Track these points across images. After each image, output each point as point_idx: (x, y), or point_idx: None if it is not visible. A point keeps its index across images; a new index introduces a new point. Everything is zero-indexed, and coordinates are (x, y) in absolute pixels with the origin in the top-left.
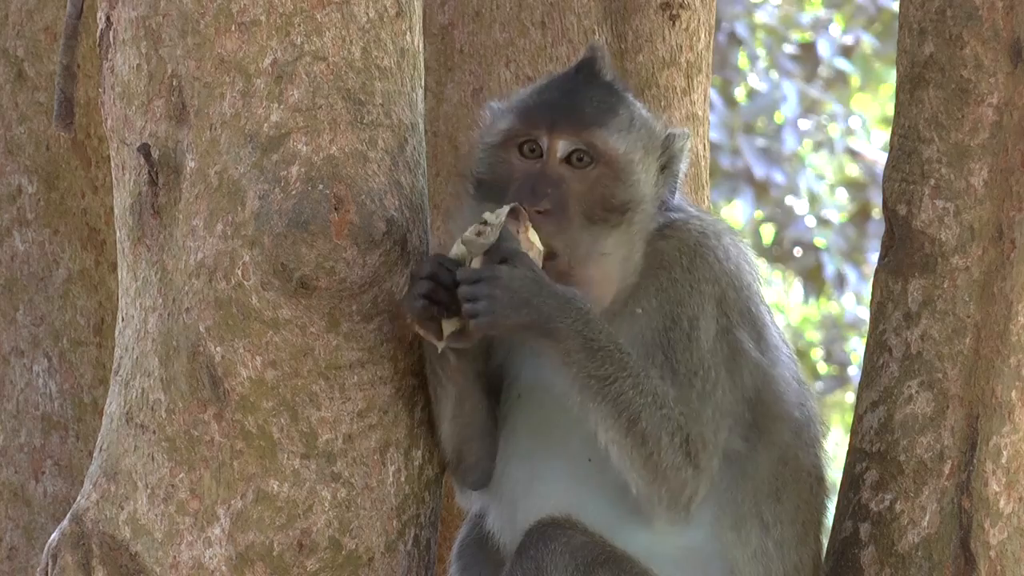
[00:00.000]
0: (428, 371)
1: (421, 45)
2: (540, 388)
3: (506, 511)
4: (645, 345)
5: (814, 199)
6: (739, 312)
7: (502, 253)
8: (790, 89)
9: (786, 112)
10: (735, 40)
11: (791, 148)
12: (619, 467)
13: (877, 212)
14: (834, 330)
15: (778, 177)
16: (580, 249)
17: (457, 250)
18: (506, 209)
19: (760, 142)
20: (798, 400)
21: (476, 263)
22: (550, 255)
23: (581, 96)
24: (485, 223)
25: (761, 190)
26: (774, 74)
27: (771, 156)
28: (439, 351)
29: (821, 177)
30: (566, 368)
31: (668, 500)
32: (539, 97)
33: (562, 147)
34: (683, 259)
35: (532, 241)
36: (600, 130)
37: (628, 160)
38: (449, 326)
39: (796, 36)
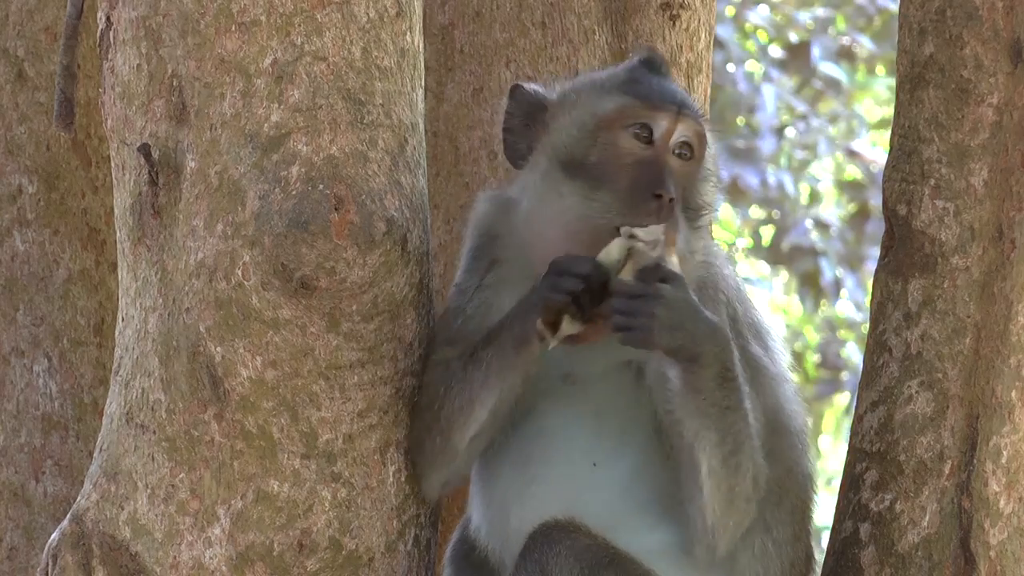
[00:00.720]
0: (487, 355)
1: (421, 45)
2: (538, 394)
3: (497, 516)
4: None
5: (797, 201)
6: (748, 326)
7: (662, 273)
8: (769, 93)
9: (762, 118)
10: (716, 43)
11: (768, 151)
12: (706, 496)
13: (876, 213)
14: (830, 333)
15: (752, 180)
16: (683, 246)
17: (606, 256)
18: (661, 228)
19: (739, 143)
20: (797, 409)
21: (626, 273)
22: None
23: (679, 89)
24: (633, 236)
25: (735, 191)
26: (757, 77)
27: (749, 158)
28: (548, 346)
29: (817, 179)
30: (694, 394)
31: (730, 532)
32: (651, 83)
33: (679, 135)
34: (709, 279)
35: (674, 263)
36: (705, 124)
37: (714, 160)
38: (569, 328)
39: (794, 36)
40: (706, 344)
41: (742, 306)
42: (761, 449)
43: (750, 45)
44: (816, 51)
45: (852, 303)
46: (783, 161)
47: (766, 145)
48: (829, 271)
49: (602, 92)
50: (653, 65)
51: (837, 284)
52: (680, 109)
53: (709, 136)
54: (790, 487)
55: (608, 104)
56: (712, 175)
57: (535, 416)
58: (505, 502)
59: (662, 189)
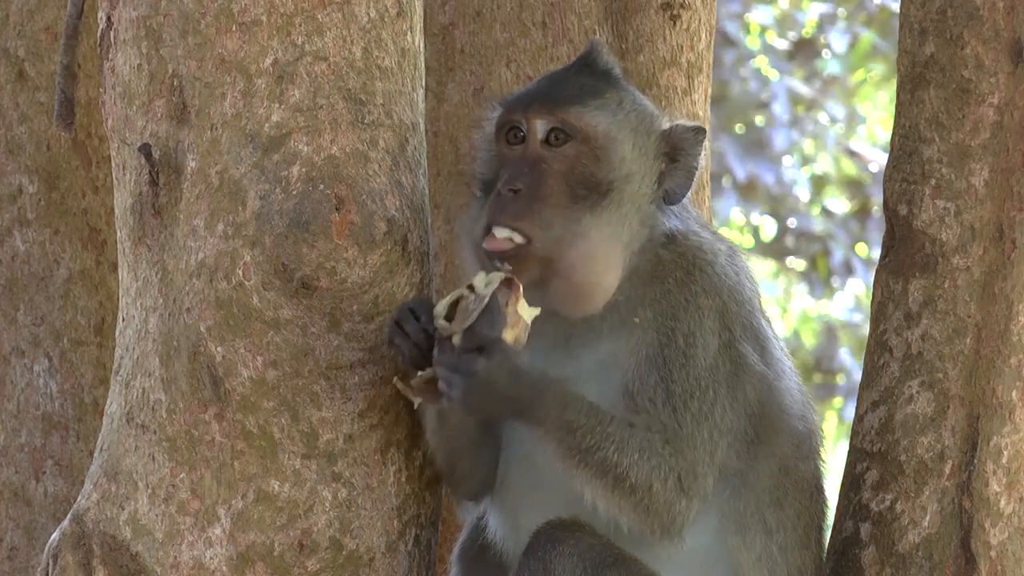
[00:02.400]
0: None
1: (422, 45)
2: None
3: (507, 516)
4: (640, 364)
5: (806, 193)
6: (741, 326)
7: (479, 340)
8: (779, 86)
9: (776, 110)
10: (727, 40)
11: (780, 146)
12: (608, 514)
13: (877, 210)
14: (828, 333)
15: (768, 176)
16: (555, 230)
17: (441, 308)
18: (498, 279)
19: (745, 136)
20: (800, 412)
21: (457, 323)
22: (525, 243)
23: (564, 81)
24: (472, 288)
25: (748, 189)
26: (764, 72)
27: (758, 152)
28: (414, 406)
29: (820, 175)
30: (547, 445)
31: (660, 531)
32: (525, 87)
33: (540, 127)
34: (678, 271)
35: (520, 314)
36: (576, 107)
37: (608, 137)
38: (424, 374)
39: (794, 34)
40: (535, 406)
41: (738, 306)
42: (710, 444)
43: (754, 42)
44: (831, 42)
45: (854, 296)
46: (795, 156)
47: (779, 140)
48: (838, 252)
49: (495, 107)
50: (579, 63)
51: (847, 266)
52: (527, 106)
53: (593, 115)
54: (789, 488)
55: (490, 119)
56: (607, 152)
57: None
58: (514, 502)
59: (500, 185)
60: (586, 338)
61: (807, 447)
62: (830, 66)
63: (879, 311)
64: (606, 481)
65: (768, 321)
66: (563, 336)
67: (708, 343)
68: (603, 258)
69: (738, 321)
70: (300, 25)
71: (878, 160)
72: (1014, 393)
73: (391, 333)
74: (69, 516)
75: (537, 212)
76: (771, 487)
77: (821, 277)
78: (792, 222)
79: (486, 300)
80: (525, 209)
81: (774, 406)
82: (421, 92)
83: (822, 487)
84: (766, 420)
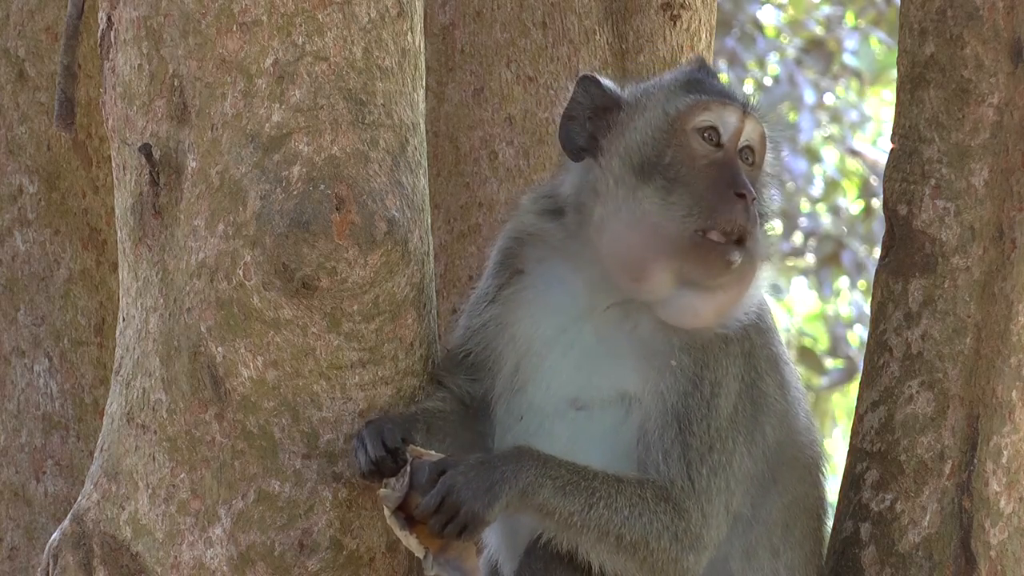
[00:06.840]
0: None
1: (422, 45)
2: (543, 408)
3: (506, 532)
4: (665, 413)
5: (828, 191)
6: (764, 358)
7: (430, 472)
8: (803, 80)
9: (807, 99)
10: (748, 37)
11: (807, 137)
12: (619, 572)
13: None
14: (838, 322)
15: (800, 165)
16: (760, 248)
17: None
18: (407, 473)
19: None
20: (809, 439)
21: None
22: (741, 240)
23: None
24: (386, 486)
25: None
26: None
27: (794, 148)
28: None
29: (839, 171)
30: (547, 517)
31: (684, 571)
32: (717, 83)
33: (745, 136)
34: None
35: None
36: (767, 126)
37: (774, 166)
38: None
39: (804, 36)
40: (522, 475)
41: (761, 338)
42: (726, 494)
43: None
44: (843, 40)
45: (859, 292)
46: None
47: (806, 130)
48: (850, 254)
49: (671, 93)
50: (710, 70)
51: (859, 265)
52: (746, 108)
53: (769, 140)
54: (798, 516)
55: (679, 103)
56: (773, 181)
57: (543, 440)
58: (516, 523)
59: (743, 188)
60: (620, 348)
61: (814, 474)
62: (849, 60)
63: (879, 311)
64: (608, 542)
65: (780, 341)
66: (601, 328)
67: (731, 389)
68: (748, 292)
69: (762, 354)
70: (301, 25)
71: (879, 160)
72: (1014, 393)
73: (355, 444)
74: (69, 516)
75: (757, 225)
76: (780, 517)
77: (832, 278)
78: (803, 222)
79: (407, 476)
80: (754, 219)
81: (789, 443)
82: (421, 92)
83: (826, 507)
84: (780, 458)
